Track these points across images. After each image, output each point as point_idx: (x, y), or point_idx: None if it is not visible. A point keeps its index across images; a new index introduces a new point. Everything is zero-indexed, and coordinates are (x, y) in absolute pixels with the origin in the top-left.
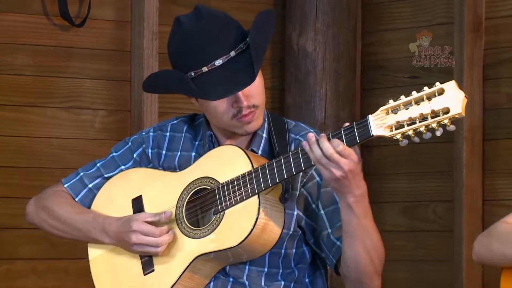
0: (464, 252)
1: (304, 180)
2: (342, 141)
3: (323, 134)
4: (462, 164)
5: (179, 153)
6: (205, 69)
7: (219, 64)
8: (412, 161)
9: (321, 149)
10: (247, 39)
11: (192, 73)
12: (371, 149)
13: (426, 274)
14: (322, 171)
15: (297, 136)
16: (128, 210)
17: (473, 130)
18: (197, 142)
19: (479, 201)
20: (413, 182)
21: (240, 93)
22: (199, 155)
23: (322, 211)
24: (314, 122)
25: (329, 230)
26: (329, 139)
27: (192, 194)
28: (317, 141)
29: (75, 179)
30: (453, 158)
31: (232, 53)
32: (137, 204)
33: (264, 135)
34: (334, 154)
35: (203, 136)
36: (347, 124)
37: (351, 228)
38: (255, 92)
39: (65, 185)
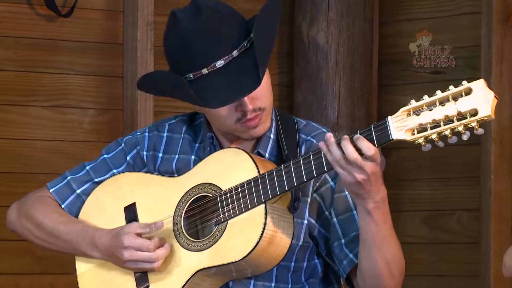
0: (492, 266)
1: (317, 184)
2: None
3: (346, 136)
4: (490, 168)
5: (177, 156)
6: (205, 71)
7: (220, 66)
8: (434, 166)
9: (343, 152)
10: (251, 34)
11: (191, 75)
12: (389, 152)
13: None
14: (342, 175)
15: (308, 137)
16: (120, 219)
17: (503, 131)
18: (197, 145)
19: (509, 210)
20: (436, 189)
21: None
22: (199, 158)
23: (335, 219)
24: (326, 122)
25: (342, 240)
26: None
27: (191, 202)
28: (338, 142)
29: (61, 184)
30: (480, 162)
31: (235, 53)
32: (130, 213)
33: (272, 136)
34: (359, 159)
35: (203, 137)
36: None
37: (369, 236)
38: (261, 93)
39: (51, 190)
